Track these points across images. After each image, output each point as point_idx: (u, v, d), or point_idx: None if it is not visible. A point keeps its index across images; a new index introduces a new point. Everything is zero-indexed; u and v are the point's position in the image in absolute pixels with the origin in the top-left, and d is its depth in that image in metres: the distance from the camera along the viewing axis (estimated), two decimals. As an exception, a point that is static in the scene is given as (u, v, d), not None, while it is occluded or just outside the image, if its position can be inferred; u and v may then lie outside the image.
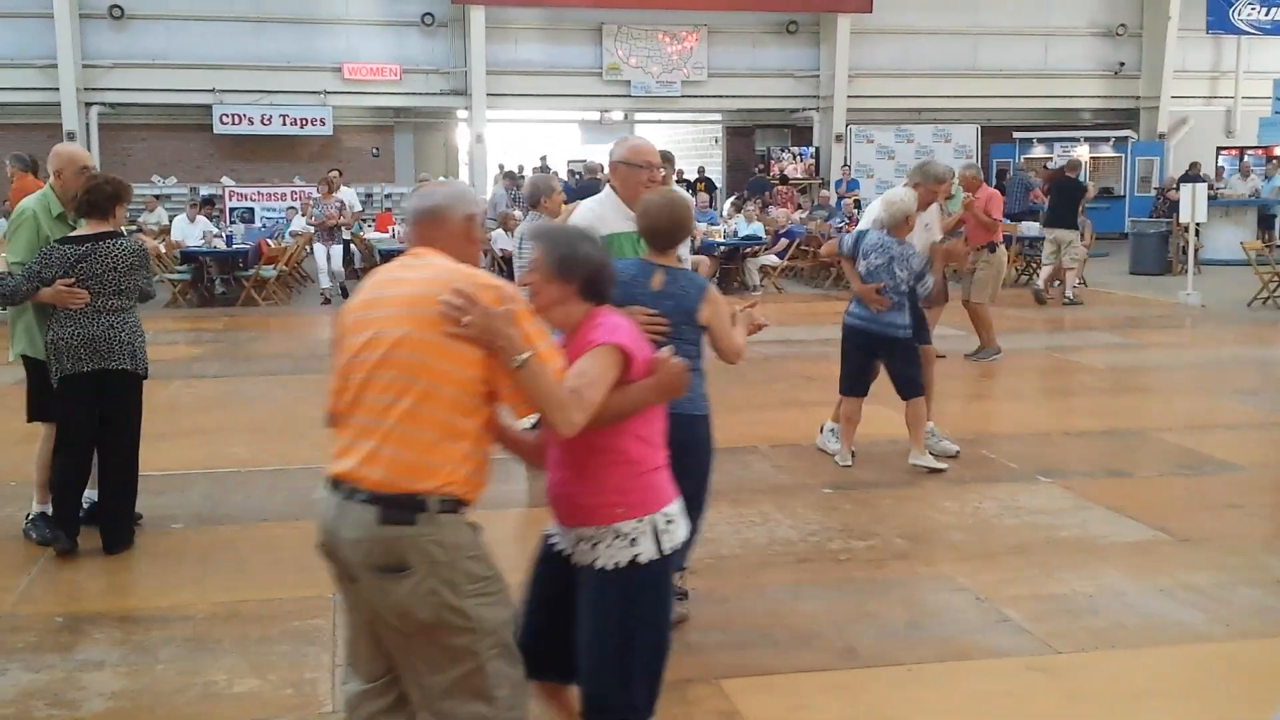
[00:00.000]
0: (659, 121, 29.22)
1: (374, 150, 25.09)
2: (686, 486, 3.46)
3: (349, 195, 16.68)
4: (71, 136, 21.44)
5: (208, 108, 22.81)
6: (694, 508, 4.14)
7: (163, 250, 16.85)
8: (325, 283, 15.80)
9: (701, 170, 25.24)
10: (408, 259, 3.03)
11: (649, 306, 4.13)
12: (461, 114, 24.98)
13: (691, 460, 4.27)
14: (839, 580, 5.45)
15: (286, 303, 16.39)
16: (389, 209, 21.41)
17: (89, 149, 21.08)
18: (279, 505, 6.64)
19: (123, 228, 6.15)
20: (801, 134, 26.94)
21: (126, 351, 5.67)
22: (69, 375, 5.63)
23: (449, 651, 2.84)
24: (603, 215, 4.79)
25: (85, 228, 5.68)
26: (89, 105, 22.24)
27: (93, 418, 5.70)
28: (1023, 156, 25.74)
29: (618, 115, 27.68)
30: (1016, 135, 26.22)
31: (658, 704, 3.24)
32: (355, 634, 3.03)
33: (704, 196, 20.23)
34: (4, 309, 6.14)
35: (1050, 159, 25.07)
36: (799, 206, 21.53)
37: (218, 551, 5.89)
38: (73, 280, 5.54)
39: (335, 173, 17.19)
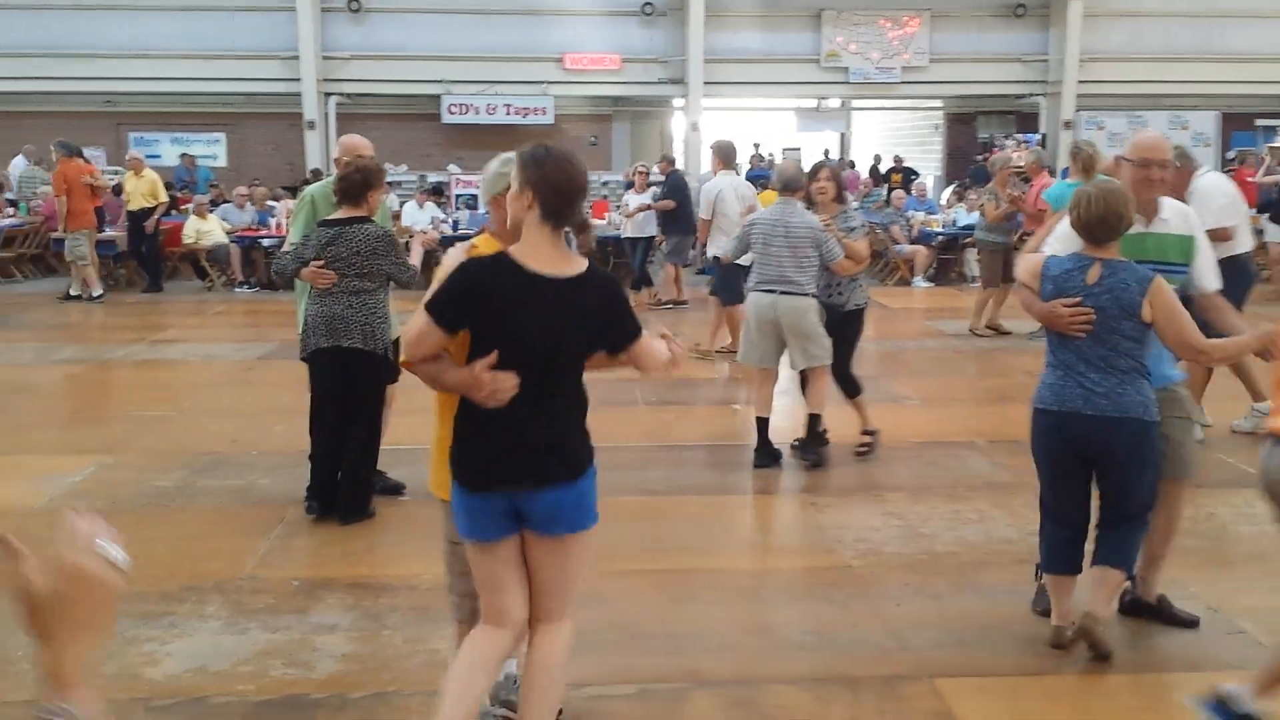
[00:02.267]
0: (878, 109, 28.73)
1: (592, 139, 25.53)
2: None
3: None
4: (311, 125, 22.60)
5: (437, 98, 23.63)
6: (1131, 513, 4.45)
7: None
8: None
9: (898, 160, 24.63)
10: None
11: (1084, 301, 4.23)
12: (678, 102, 25.15)
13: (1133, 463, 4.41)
14: (1060, 583, 5.27)
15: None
16: (605, 197, 21.74)
17: (327, 137, 22.22)
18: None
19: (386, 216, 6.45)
20: (1027, 120, 26.03)
21: (361, 331, 5.90)
22: (312, 351, 5.96)
23: None
24: None
25: (340, 212, 5.96)
26: (328, 95, 23.34)
27: (336, 393, 6.00)
28: (1266, 145, 24.19)
29: (834, 103, 27.33)
30: (1259, 123, 24.67)
31: None
32: None
33: (898, 192, 19.54)
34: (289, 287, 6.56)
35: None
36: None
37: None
38: (322, 261, 5.84)
39: None
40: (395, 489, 6.49)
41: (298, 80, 22.76)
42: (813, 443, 7.28)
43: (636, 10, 23.76)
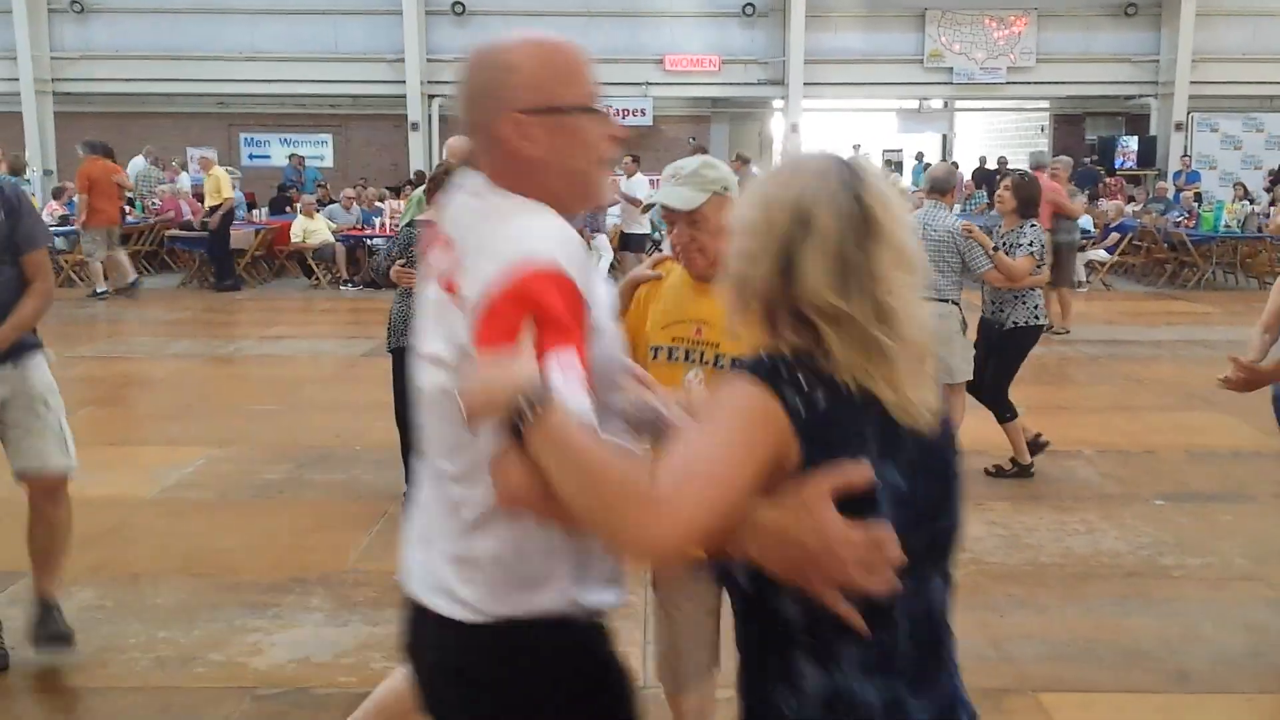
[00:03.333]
0: (981, 110, 28.28)
1: (691, 139, 25.51)
2: None
3: (639, 185, 15.72)
4: (415, 127, 22.93)
5: (537, 99, 23.79)
6: None
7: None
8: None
9: (1002, 161, 24.13)
10: None
11: None
12: (777, 103, 25.02)
13: None
14: (1170, 598, 5.13)
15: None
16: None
17: (431, 139, 22.55)
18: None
19: None
20: (1136, 122, 25.40)
21: None
22: (392, 349, 6.04)
23: None
24: None
25: (427, 213, 6.05)
26: (432, 97, 23.66)
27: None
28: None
29: (937, 103, 26.97)
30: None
31: None
32: None
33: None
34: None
35: None
36: (1130, 199, 20.32)
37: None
38: (404, 260, 5.91)
39: (629, 159, 16.57)
40: None
41: (403, 83, 23.12)
42: None
43: (737, 11, 23.70)
